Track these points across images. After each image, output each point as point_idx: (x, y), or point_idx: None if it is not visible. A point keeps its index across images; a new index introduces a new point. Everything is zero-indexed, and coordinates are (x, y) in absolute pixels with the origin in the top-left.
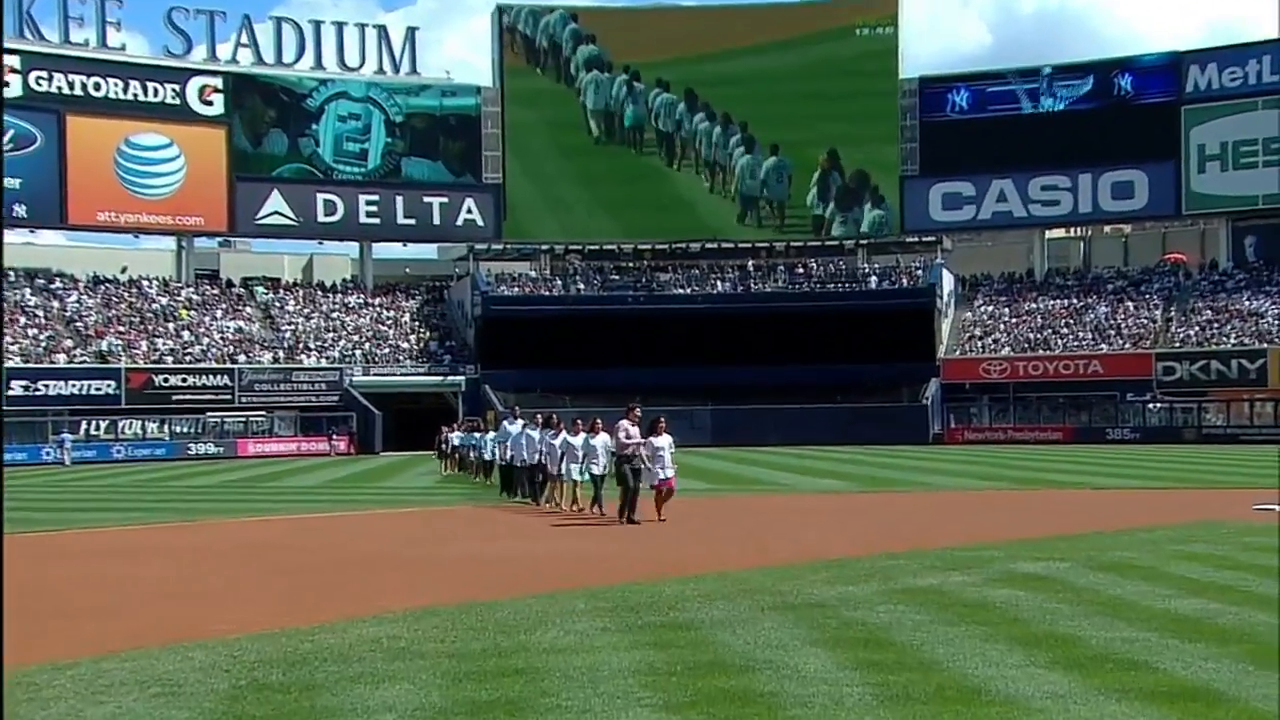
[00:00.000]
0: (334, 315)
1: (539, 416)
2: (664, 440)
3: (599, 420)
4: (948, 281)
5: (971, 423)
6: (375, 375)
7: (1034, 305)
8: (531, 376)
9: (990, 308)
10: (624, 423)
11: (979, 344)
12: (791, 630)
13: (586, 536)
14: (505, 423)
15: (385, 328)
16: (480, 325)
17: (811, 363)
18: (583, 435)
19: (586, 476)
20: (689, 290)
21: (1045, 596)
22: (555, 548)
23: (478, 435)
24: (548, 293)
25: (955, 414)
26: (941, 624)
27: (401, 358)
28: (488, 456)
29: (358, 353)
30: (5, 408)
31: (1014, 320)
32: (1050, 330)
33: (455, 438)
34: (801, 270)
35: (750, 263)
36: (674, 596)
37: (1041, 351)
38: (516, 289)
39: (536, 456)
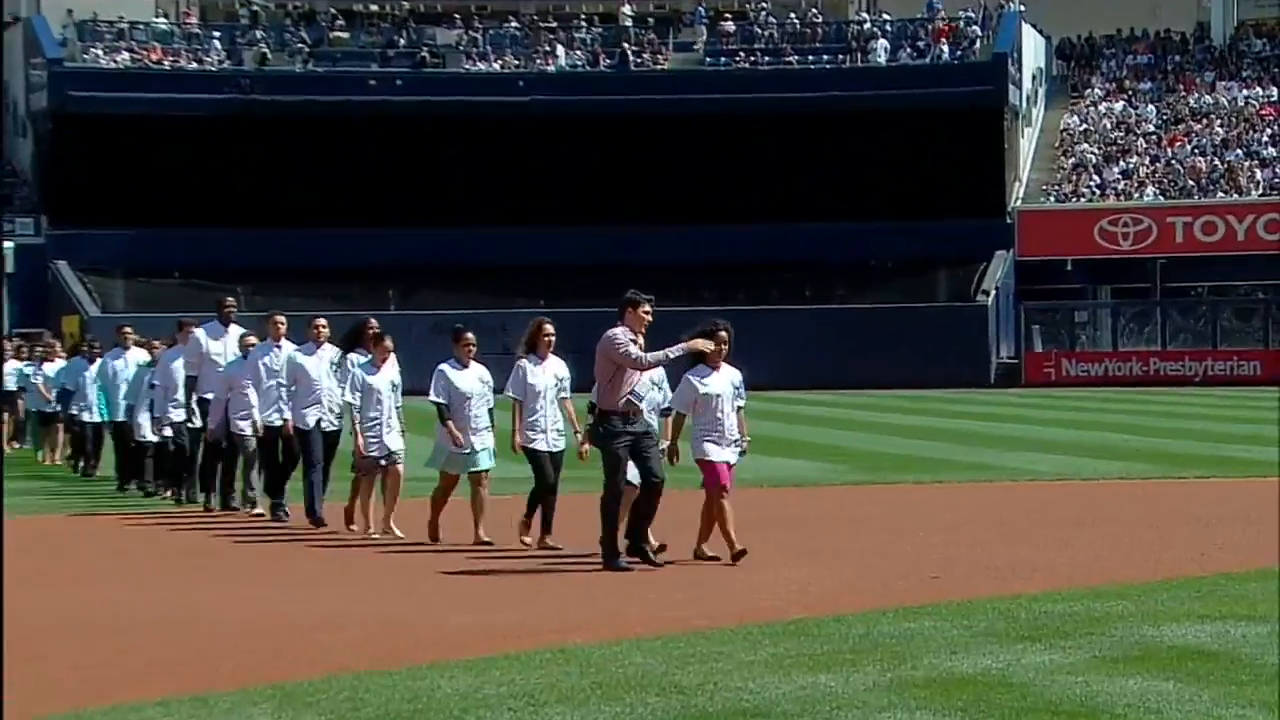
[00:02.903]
0: None
1: (320, 328)
2: (721, 380)
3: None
4: (1032, 49)
5: (1076, 343)
6: None
7: (1207, 99)
8: (170, 244)
9: (1116, 105)
10: (620, 335)
11: (1091, 181)
12: None
13: (507, 596)
14: (200, 333)
15: None
16: (48, 133)
17: (750, 221)
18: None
19: (486, 463)
20: (501, 65)
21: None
22: (459, 623)
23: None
24: (198, 66)
25: (1043, 325)
26: None
27: None
28: (90, 417)
29: None
30: None
31: (1164, 133)
32: (1243, 151)
33: (12, 373)
34: (730, 35)
35: (627, 19)
36: None
37: (1221, 197)
38: (126, 56)
39: (320, 411)
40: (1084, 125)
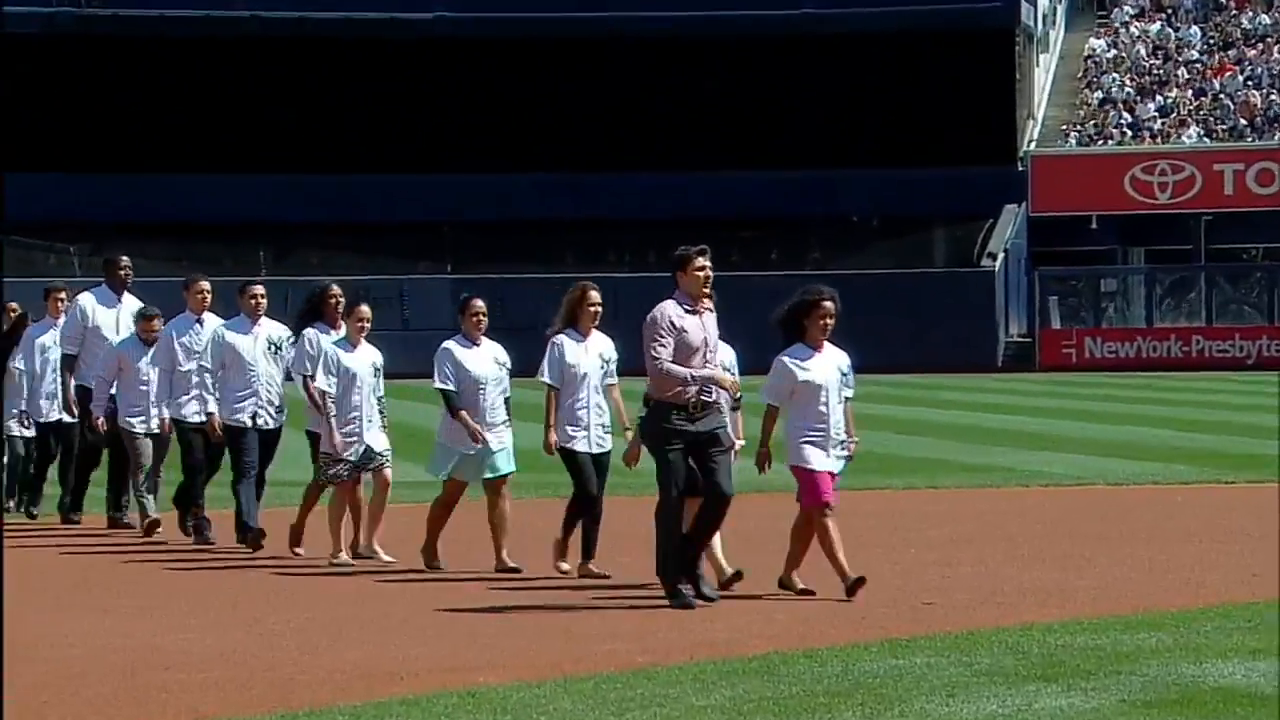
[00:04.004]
0: None
1: (258, 297)
2: (825, 363)
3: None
4: None
5: (1102, 318)
6: None
7: (1263, 19)
8: (99, 191)
9: (1152, 26)
10: (664, 316)
11: (1122, 119)
12: None
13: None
14: (87, 300)
15: None
16: None
17: (705, 168)
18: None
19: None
20: None
21: None
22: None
23: None
24: None
25: (1062, 296)
26: None
27: None
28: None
29: None
30: None
31: (1210, 60)
32: None
33: None
34: None
35: None
36: None
37: None
38: None
39: (256, 404)
40: (1113, 51)
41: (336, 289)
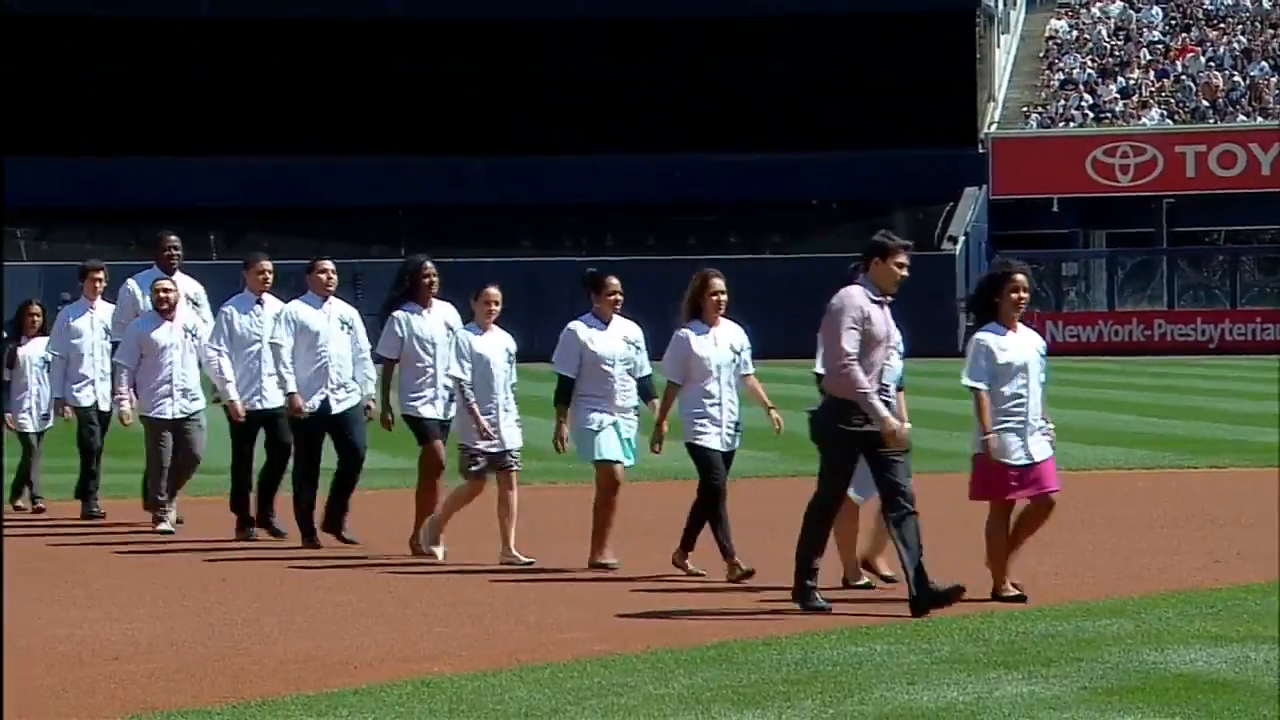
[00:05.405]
0: None
1: (329, 273)
2: (1024, 344)
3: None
4: None
5: (1063, 302)
6: None
7: (1226, 0)
8: (46, 175)
9: (1113, 6)
10: (851, 302)
11: (1083, 101)
12: None
13: None
14: (135, 285)
15: None
16: None
17: (661, 150)
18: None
19: (629, 457)
20: None
21: None
22: None
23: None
24: None
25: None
26: None
27: None
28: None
29: None
30: None
31: (1172, 41)
32: (1269, 64)
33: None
34: None
35: None
36: None
37: (1242, 121)
38: None
39: (327, 387)
40: (1074, 31)
41: (430, 266)
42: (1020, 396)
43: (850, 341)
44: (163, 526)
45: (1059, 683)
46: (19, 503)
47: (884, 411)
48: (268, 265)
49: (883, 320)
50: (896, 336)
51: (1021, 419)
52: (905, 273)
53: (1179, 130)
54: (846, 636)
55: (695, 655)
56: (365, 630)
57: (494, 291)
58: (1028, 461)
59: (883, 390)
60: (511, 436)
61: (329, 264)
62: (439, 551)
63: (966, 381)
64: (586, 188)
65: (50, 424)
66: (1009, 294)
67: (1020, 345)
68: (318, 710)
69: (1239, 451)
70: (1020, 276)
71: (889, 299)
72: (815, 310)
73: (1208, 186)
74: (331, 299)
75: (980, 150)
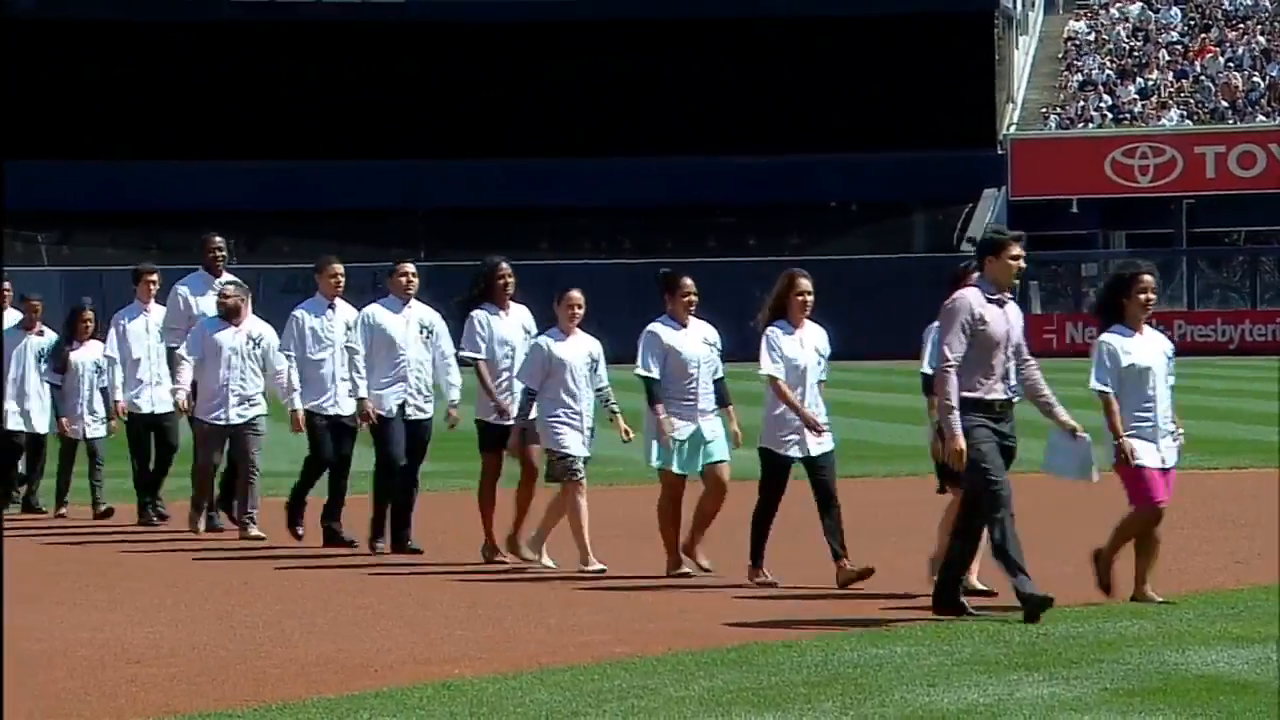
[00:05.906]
0: None
1: (410, 276)
2: (1150, 346)
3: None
4: None
5: (1082, 303)
6: None
7: (1244, 0)
8: (66, 179)
9: (1133, 7)
10: (964, 306)
11: (1102, 102)
12: None
13: None
14: (186, 289)
15: None
16: None
17: (680, 152)
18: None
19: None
20: None
21: None
22: None
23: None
24: None
25: (1042, 280)
26: None
27: None
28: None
29: None
30: None
31: (1192, 42)
32: None
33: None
34: None
35: None
36: None
37: (1262, 121)
38: None
39: (405, 390)
40: (1093, 33)
41: (506, 267)
42: (1148, 397)
43: (951, 346)
44: (254, 531)
45: (1080, 684)
46: (61, 510)
47: (957, 429)
48: (339, 269)
49: (1001, 319)
50: (1018, 337)
51: (1151, 423)
52: (1022, 264)
53: (1198, 131)
54: (866, 638)
55: (716, 657)
56: (386, 633)
57: (576, 295)
58: (1163, 466)
59: (1011, 403)
60: (581, 445)
61: (410, 266)
62: (547, 561)
63: (1094, 385)
64: (605, 190)
65: (105, 431)
66: (1136, 295)
67: (1147, 347)
68: (339, 713)
69: (1260, 452)
70: (1148, 277)
71: (1009, 297)
72: (835, 311)
73: (1227, 187)
74: (413, 302)
75: (999, 152)
